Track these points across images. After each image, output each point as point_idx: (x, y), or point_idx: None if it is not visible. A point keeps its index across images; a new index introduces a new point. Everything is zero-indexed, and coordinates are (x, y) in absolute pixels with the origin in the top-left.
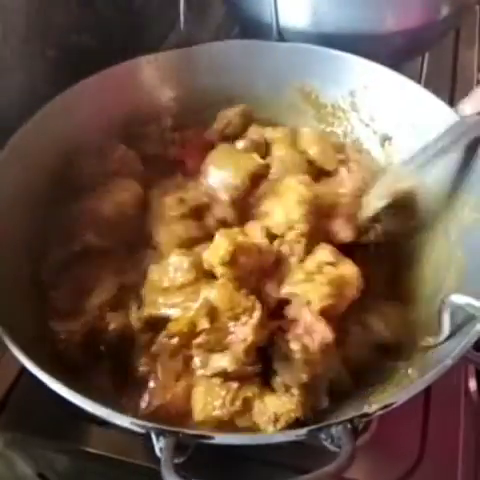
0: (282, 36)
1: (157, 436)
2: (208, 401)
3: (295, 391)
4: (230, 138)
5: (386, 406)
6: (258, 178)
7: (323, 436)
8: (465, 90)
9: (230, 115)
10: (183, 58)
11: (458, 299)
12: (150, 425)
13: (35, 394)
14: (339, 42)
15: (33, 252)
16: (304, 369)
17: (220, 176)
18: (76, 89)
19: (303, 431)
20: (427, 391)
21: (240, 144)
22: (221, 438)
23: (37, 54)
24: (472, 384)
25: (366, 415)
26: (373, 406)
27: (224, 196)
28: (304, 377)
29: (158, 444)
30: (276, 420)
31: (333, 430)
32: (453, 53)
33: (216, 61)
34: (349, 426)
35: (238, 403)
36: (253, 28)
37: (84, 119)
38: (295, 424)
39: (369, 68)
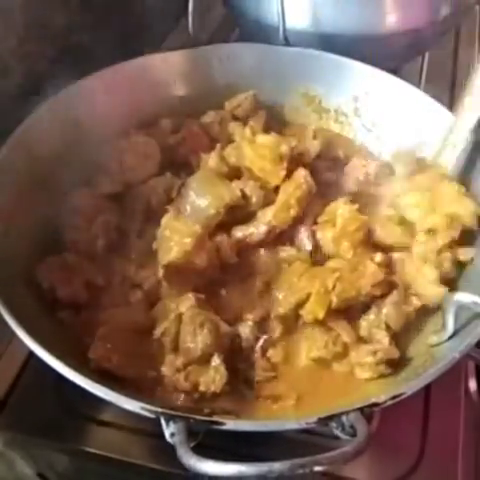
0: (288, 40)
1: (167, 421)
2: (312, 343)
3: (385, 339)
4: (240, 119)
5: (395, 396)
6: (234, 209)
7: (334, 424)
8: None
9: (240, 99)
10: (190, 58)
11: (463, 297)
12: (160, 410)
13: (35, 394)
14: (340, 43)
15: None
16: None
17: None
18: (77, 86)
19: (314, 419)
20: (427, 391)
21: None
22: (232, 424)
23: (37, 54)
24: (472, 384)
25: (376, 404)
26: (382, 396)
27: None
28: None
29: (168, 429)
30: (375, 352)
31: (344, 418)
32: (453, 53)
33: (224, 62)
34: (360, 414)
35: (339, 346)
36: (253, 30)
37: (87, 115)
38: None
39: (372, 74)
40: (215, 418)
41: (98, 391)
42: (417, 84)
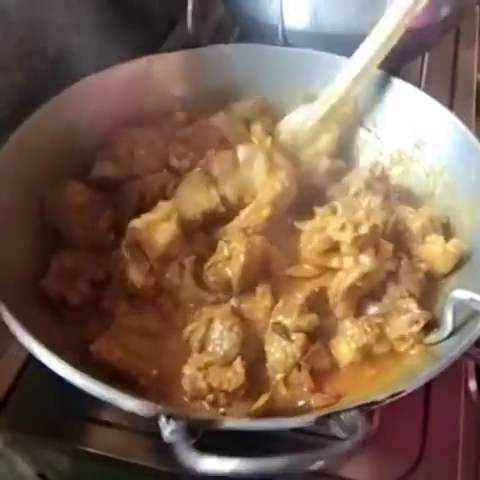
0: (287, 40)
1: (167, 419)
2: (349, 336)
3: (413, 304)
4: (247, 122)
5: (394, 394)
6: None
7: (333, 422)
8: (465, 90)
9: (249, 102)
10: (190, 59)
11: (461, 294)
12: (160, 408)
13: (35, 394)
14: (340, 43)
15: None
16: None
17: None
18: (79, 86)
19: (312, 417)
20: (427, 391)
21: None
22: (231, 423)
23: (37, 54)
24: (472, 384)
25: (375, 403)
26: (382, 394)
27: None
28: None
29: (168, 427)
30: (416, 322)
31: (343, 416)
32: (453, 53)
33: (223, 63)
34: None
35: (375, 328)
36: (253, 29)
37: (87, 117)
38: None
39: None
40: (213, 417)
41: (96, 389)
42: (417, 84)
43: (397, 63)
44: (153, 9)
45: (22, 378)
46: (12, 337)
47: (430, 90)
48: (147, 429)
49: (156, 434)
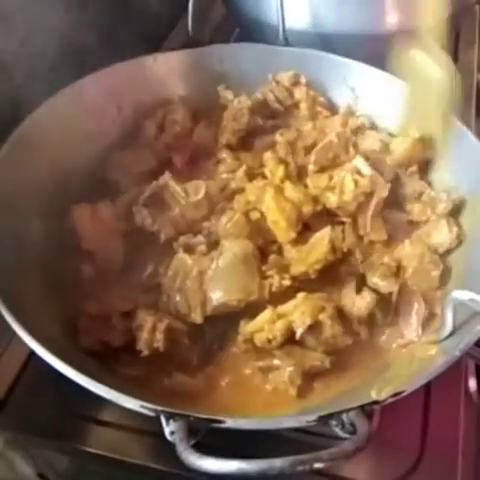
0: (288, 40)
1: (167, 419)
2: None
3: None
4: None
5: (396, 394)
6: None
7: (334, 422)
8: (465, 90)
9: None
10: (192, 58)
11: (461, 295)
12: (160, 408)
13: (35, 394)
14: (340, 43)
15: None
16: None
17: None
18: (78, 85)
19: (313, 417)
20: (427, 390)
21: None
22: (232, 422)
23: (37, 54)
24: (472, 384)
25: (376, 402)
26: (383, 394)
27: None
28: None
29: (168, 428)
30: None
31: (344, 416)
32: (453, 53)
33: (224, 62)
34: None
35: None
36: (254, 29)
37: (86, 116)
38: None
39: (371, 74)
40: (214, 416)
41: (99, 390)
42: None
43: None
44: (153, 9)
45: (22, 378)
46: (12, 337)
47: None
48: (147, 429)
49: (156, 434)
